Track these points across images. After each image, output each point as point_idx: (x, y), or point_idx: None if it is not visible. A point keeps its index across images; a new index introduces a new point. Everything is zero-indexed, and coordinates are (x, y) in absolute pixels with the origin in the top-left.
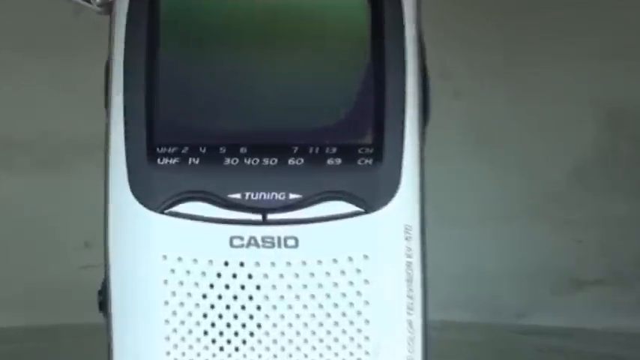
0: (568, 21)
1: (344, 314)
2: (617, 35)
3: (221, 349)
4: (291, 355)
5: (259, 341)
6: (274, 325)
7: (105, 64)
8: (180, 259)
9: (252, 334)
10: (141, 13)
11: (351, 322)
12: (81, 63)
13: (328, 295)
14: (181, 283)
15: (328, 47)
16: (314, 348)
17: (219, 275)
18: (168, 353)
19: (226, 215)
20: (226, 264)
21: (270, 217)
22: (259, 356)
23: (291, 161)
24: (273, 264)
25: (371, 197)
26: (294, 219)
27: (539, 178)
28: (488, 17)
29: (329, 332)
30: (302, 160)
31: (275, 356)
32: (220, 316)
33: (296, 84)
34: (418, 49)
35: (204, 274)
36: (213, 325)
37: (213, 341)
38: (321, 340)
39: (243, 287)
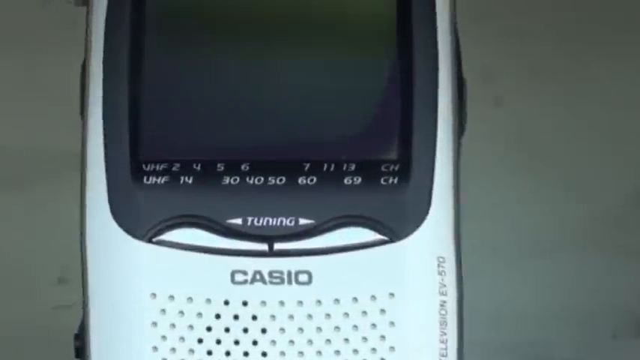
0: (632, 16)
1: None
2: None
3: None
4: None
5: None
6: None
7: (81, 64)
8: (171, 297)
9: None
10: (124, 5)
11: None
12: (50, 61)
13: (347, 340)
14: (173, 325)
15: (345, 43)
16: None
17: (218, 316)
18: None
19: (226, 245)
20: (227, 303)
21: (278, 246)
22: None
23: (301, 180)
24: (281, 303)
25: (397, 223)
26: (306, 249)
27: (595, 201)
28: (537, 9)
29: None
30: (314, 179)
31: None
32: None
33: (307, 88)
34: (452, 46)
35: (200, 315)
36: None
37: None
38: None
39: (246, 330)
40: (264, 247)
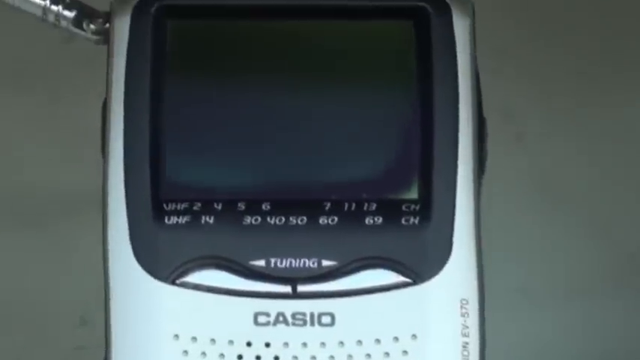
0: None
1: None
2: None
3: None
4: None
5: None
6: None
7: (102, 102)
8: (194, 338)
9: None
10: (144, 43)
11: None
12: (71, 99)
13: None
14: None
15: (366, 82)
16: None
17: (240, 357)
18: None
19: (249, 287)
20: (249, 345)
21: (301, 288)
22: None
23: (322, 220)
24: (304, 345)
25: (419, 265)
26: (329, 291)
27: (622, 243)
28: (559, 44)
29: None
30: (336, 219)
31: None
32: None
33: (327, 128)
34: (473, 83)
35: (222, 356)
36: None
37: None
38: None
39: None
40: (287, 289)
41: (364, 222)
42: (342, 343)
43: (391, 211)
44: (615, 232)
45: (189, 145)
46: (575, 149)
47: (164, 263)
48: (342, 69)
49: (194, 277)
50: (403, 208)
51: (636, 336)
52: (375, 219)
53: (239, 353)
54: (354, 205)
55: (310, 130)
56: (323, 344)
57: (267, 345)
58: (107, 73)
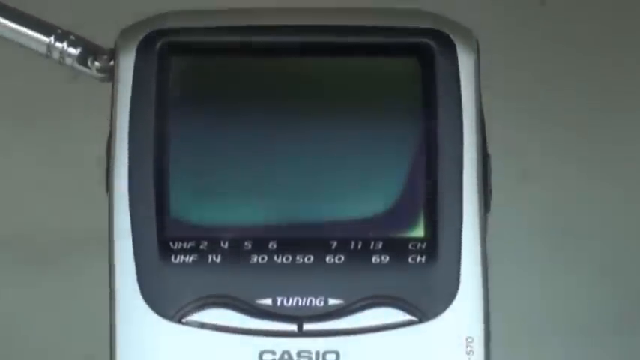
0: None
1: None
2: None
3: None
4: None
5: None
6: None
7: (106, 140)
8: None
9: None
10: (149, 80)
11: None
12: (75, 138)
13: None
14: None
15: (370, 121)
16: None
17: None
18: None
19: (255, 325)
20: None
21: (307, 327)
22: None
23: (329, 259)
24: None
25: (425, 303)
26: (335, 329)
27: (629, 281)
28: (562, 81)
29: None
30: (342, 258)
31: None
32: None
33: (332, 166)
34: (477, 119)
35: None
36: None
37: None
38: None
39: None
40: (293, 327)
41: (371, 261)
42: None
43: (398, 249)
44: (622, 270)
45: (195, 182)
46: (580, 184)
47: (170, 301)
48: (347, 107)
49: (200, 316)
50: (409, 246)
51: None
52: (382, 257)
53: None
54: (360, 243)
55: (316, 169)
56: None
57: None
58: (111, 110)
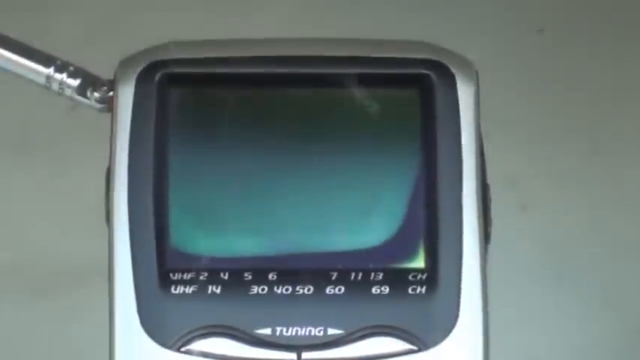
0: None
1: None
2: None
3: None
4: None
5: None
6: None
7: (106, 170)
8: None
9: None
10: (148, 111)
11: None
12: (74, 169)
13: None
14: None
15: (370, 152)
16: None
17: None
18: None
19: (254, 354)
20: None
21: (306, 356)
22: None
23: (329, 290)
24: None
25: (425, 332)
26: (335, 359)
27: (631, 312)
28: (561, 112)
29: None
30: (342, 289)
31: None
32: None
33: (333, 196)
34: (476, 152)
35: None
36: None
37: None
38: None
39: None
40: (292, 356)
41: (371, 291)
42: None
43: (398, 280)
44: (623, 302)
45: (194, 213)
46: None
47: (170, 331)
48: (346, 137)
49: (200, 345)
50: (409, 277)
51: None
52: (382, 288)
53: None
54: (360, 274)
55: (316, 200)
56: None
57: None
58: (111, 141)
